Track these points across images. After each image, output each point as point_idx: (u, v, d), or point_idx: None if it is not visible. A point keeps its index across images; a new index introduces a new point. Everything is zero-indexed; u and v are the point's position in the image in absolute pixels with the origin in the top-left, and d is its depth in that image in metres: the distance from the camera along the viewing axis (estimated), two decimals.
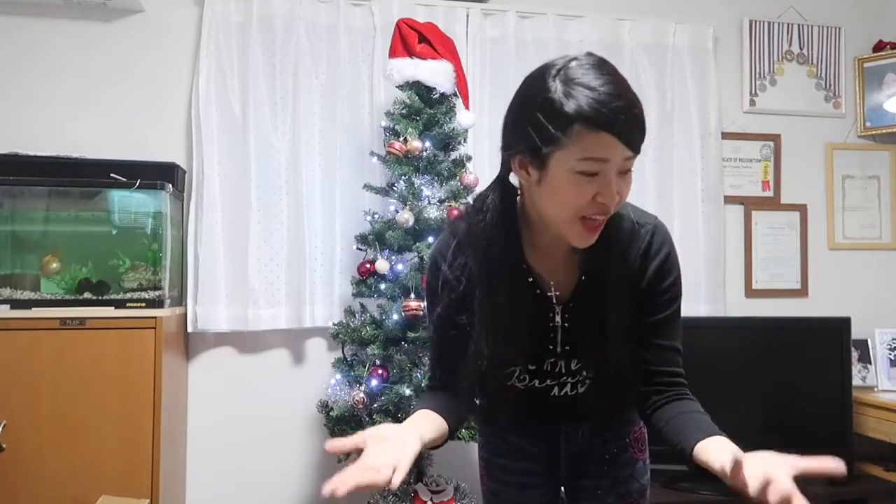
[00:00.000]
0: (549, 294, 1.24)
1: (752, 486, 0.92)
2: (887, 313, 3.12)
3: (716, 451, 1.09)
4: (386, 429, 1.04)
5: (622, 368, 1.25)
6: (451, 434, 1.28)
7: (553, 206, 1.10)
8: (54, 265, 2.28)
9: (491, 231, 1.19)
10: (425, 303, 1.41)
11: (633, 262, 1.21)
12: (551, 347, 1.27)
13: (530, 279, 1.23)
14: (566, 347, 1.27)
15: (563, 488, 1.44)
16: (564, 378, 1.32)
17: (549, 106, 1.04)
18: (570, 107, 1.02)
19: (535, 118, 1.06)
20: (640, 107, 1.06)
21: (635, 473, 1.41)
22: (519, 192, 1.21)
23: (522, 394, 1.33)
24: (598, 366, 1.28)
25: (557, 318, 1.25)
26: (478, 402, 1.46)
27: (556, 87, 1.06)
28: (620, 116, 1.01)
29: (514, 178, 1.19)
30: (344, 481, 0.91)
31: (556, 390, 1.33)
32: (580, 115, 1.01)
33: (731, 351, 2.74)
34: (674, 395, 1.23)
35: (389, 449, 0.98)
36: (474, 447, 2.72)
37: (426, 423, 1.19)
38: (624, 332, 1.22)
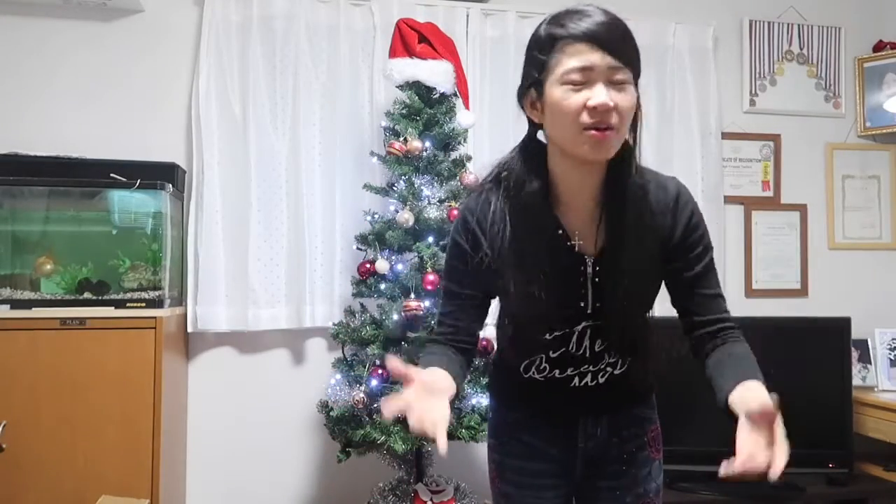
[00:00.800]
0: (575, 246, 1.27)
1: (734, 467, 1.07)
2: (887, 313, 3.12)
3: (736, 406, 1.17)
4: (436, 384, 1.17)
5: (641, 330, 1.33)
6: (457, 397, 1.36)
7: (558, 128, 1.18)
8: (48, 266, 2.28)
9: (521, 183, 1.25)
10: (446, 256, 1.39)
11: (661, 218, 1.25)
12: (582, 305, 1.28)
13: (560, 231, 1.26)
14: (597, 304, 1.28)
15: (574, 499, 1.43)
16: (586, 367, 1.32)
17: (538, 40, 1.19)
18: (551, 31, 1.16)
19: (529, 56, 1.21)
20: (623, 24, 1.16)
21: (652, 473, 1.39)
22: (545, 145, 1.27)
23: (542, 387, 1.34)
24: (621, 326, 1.30)
25: (589, 270, 1.27)
26: (492, 400, 1.49)
27: (544, 25, 1.19)
28: (597, 27, 1.13)
29: (540, 137, 1.28)
30: (407, 408, 1.10)
31: (576, 381, 1.33)
32: (559, 35, 1.15)
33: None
34: (720, 341, 1.27)
35: (435, 409, 1.13)
36: (474, 447, 2.73)
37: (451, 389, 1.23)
38: (651, 285, 1.29)
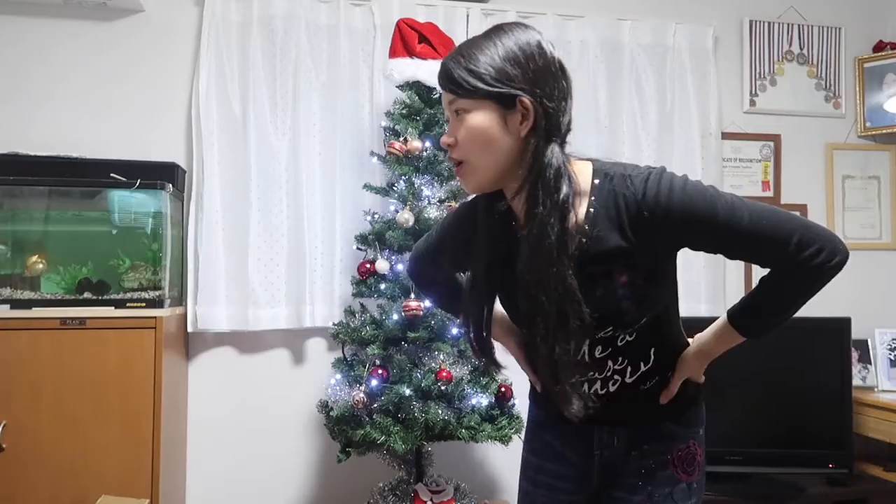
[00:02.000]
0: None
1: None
2: (887, 313, 3.12)
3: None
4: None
5: (641, 337, 1.25)
6: None
7: None
8: (40, 265, 2.28)
9: (489, 205, 1.27)
10: (442, 223, 1.47)
11: (620, 222, 1.16)
12: None
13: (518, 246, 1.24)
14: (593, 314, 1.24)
15: None
16: (593, 374, 1.27)
17: None
18: None
19: None
20: (460, 52, 1.16)
21: (674, 494, 1.29)
22: None
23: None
24: (600, 333, 1.23)
25: None
26: (529, 396, 1.48)
27: None
28: (441, 70, 1.18)
29: None
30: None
31: (586, 387, 1.28)
32: None
33: (730, 351, 2.73)
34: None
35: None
36: (474, 447, 2.74)
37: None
38: (623, 298, 1.18)
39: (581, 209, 1.18)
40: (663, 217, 1.13)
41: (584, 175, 1.20)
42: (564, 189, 1.14)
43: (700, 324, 1.39)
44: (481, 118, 1.14)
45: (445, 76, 1.16)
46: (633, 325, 1.22)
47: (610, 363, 1.27)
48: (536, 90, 1.13)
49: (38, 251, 2.31)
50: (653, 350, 1.28)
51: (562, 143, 1.18)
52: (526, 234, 1.16)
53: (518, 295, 1.20)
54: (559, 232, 1.13)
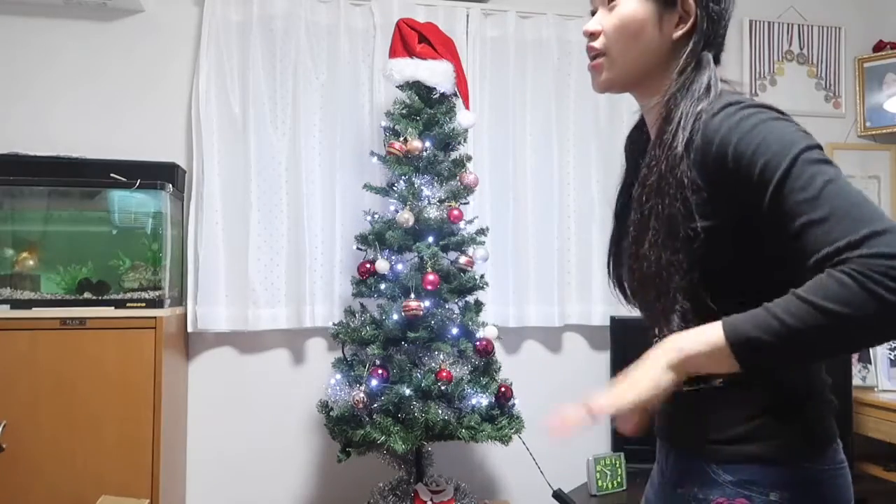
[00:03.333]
0: None
1: None
2: None
3: None
4: None
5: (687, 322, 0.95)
6: None
7: None
8: (30, 262, 2.28)
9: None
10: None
11: (688, 156, 0.96)
12: None
13: None
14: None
15: None
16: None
17: None
18: None
19: None
20: None
21: None
22: None
23: None
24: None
25: None
26: None
27: None
28: None
29: None
30: None
31: None
32: None
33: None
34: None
35: None
36: (474, 447, 2.74)
37: None
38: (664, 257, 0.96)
39: None
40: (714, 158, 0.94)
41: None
42: (702, 104, 0.97)
43: None
44: (637, 7, 1.03)
45: None
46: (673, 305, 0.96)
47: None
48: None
49: (34, 249, 2.31)
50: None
51: (716, 59, 1.05)
52: (649, 149, 1.01)
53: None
54: (678, 153, 0.95)
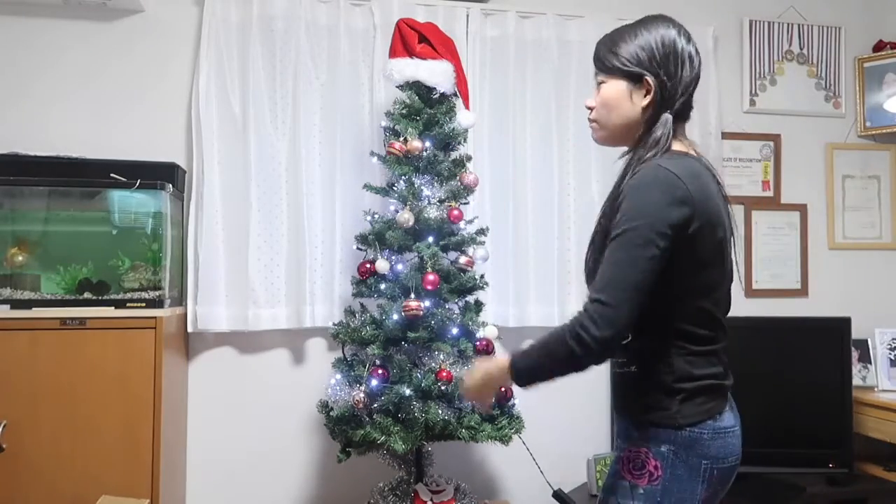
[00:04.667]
0: None
1: None
2: (887, 313, 3.12)
3: None
4: None
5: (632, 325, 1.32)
6: None
7: None
8: (20, 258, 2.28)
9: None
10: None
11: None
12: None
13: None
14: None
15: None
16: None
17: None
18: None
19: None
20: (606, 36, 1.48)
21: (615, 488, 1.42)
22: None
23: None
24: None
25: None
26: None
27: None
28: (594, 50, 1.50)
29: None
30: None
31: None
32: None
33: (731, 351, 2.73)
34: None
35: None
36: (474, 447, 2.73)
37: None
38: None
39: None
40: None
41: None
42: (651, 152, 1.37)
43: None
44: (612, 89, 1.45)
45: (594, 54, 1.49)
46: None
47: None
48: (660, 71, 1.40)
49: (25, 246, 2.30)
50: (638, 330, 1.35)
51: (676, 119, 1.43)
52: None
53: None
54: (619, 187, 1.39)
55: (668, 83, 1.40)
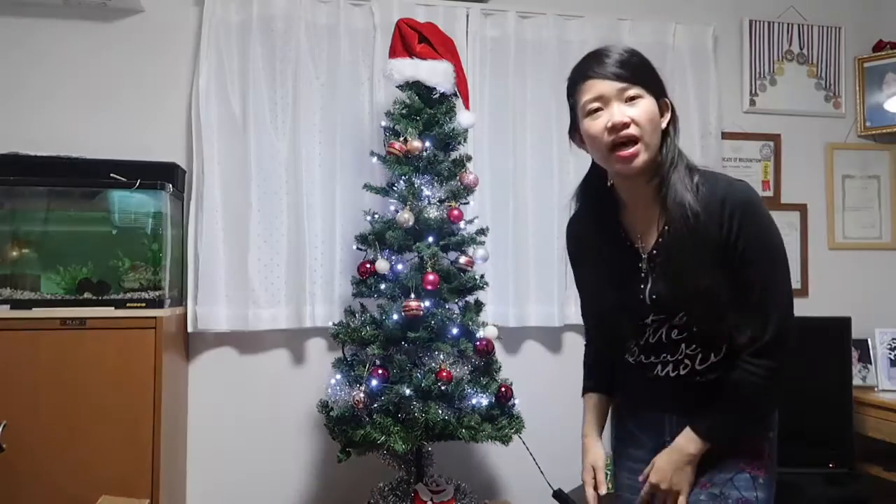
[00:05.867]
0: (636, 245, 1.43)
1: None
2: (887, 313, 3.12)
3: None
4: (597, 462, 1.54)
5: (718, 327, 1.34)
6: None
7: (594, 153, 1.40)
8: (13, 254, 2.28)
9: (591, 199, 1.51)
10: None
11: (710, 221, 1.32)
12: (641, 297, 1.41)
13: (622, 233, 1.45)
14: (653, 297, 1.39)
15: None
16: (665, 355, 1.41)
17: (567, 86, 1.44)
18: (572, 76, 1.42)
19: (568, 101, 1.45)
20: (621, 51, 1.36)
21: (735, 481, 1.38)
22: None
23: (637, 372, 1.46)
24: (685, 317, 1.37)
25: (643, 265, 1.41)
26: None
27: (570, 73, 1.44)
28: (595, 64, 1.36)
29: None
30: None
31: (659, 369, 1.43)
32: (572, 78, 1.41)
33: None
34: (737, 367, 1.35)
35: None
36: (475, 447, 2.73)
37: (600, 423, 1.59)
38: (706, 286, 1.31)
39: None
40: (738, 225, 1.31)
41: None
42: (696, 177, 1.36)
43: None
44: (653, 106, 1.34)
45: (628, 66, 1.34)
46: (710, 315, 1.34)
47: (683, 346, 1.40)
48: (667, 94, 1.39)
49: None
50: (725, 345, 1.36)
51: None
52: (667, 217, 1.36)
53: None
54: (695, 214, 1.32)
55: (672, 103, 1.41)
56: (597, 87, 1.34)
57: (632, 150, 1.32)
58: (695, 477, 1.38)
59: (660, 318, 1.41)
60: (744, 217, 1.31)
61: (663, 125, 1.37)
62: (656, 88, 1.36)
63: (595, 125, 1.34)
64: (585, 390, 1.63)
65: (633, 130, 1.31)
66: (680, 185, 1.34)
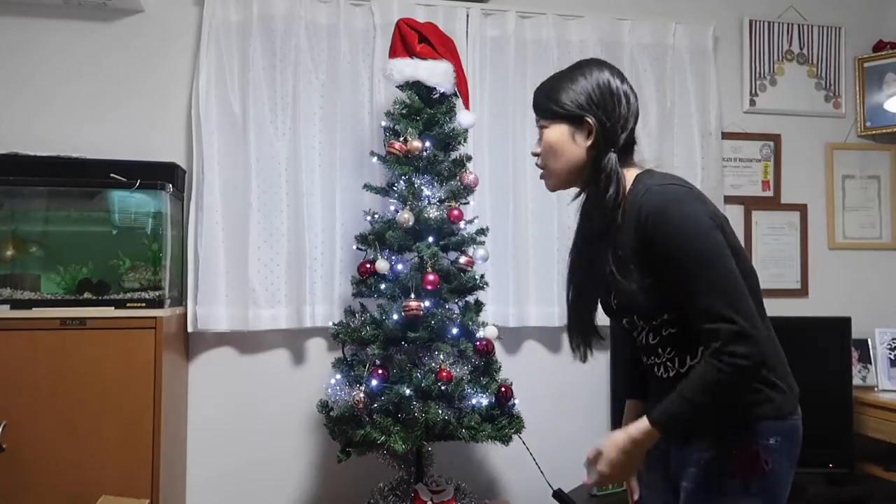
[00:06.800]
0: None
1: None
2: (887, 313, 3.12)
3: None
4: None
5: (682, 332, 1.39)
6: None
7: None
8: (8, 252, 2.28)
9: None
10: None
11: (632, 229, 1.38)
12: (608, 301, 1.49)
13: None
14: (615, 302, 1.46)
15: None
16: (654, 358, 1.47)
17: None
18: None
19: None
20: (544, 84, 1.50)
21: (724, 488, 1.38)
22: None
23: (650, 372, 1.52)
24: (639, 322, 1.44)
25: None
26: None
27: None
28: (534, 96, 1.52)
29: None
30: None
31: (656, 369, 1.48)
32: None
33: None
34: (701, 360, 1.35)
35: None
36: (474, 447, 2.73)
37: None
38: (631, 292, 1.38)
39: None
40: (652, 232, 1.34)
41: (629, 181, 1.45)
42: (611, 189, 1.41)
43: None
44: (556, 133, 1.47)
45: (533, 102, 1.52)
46: (653, 319, 1.41)
47: (660, 350, 1.45)
48: (599, 111, 1.43)
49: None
50: (700, 348, 1.37)
51: (622, 154, 1.45)
52: (578, 222, 1.53)
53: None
54: (600, 222, 1.42)
55: (607, 122, 1.43)
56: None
57: (540, 175, 1.54)
58: (641, 466, 1.48)
59: (632, 323, 1.47)
60: (657, 221, 1.33)
61: (587, 143, 1.44)
62: (565, 114, 1.44)
63: None
64: (625, 398, 1.71)
65: (538, 160, 1.53)
66: (590, 199, 1.47)
